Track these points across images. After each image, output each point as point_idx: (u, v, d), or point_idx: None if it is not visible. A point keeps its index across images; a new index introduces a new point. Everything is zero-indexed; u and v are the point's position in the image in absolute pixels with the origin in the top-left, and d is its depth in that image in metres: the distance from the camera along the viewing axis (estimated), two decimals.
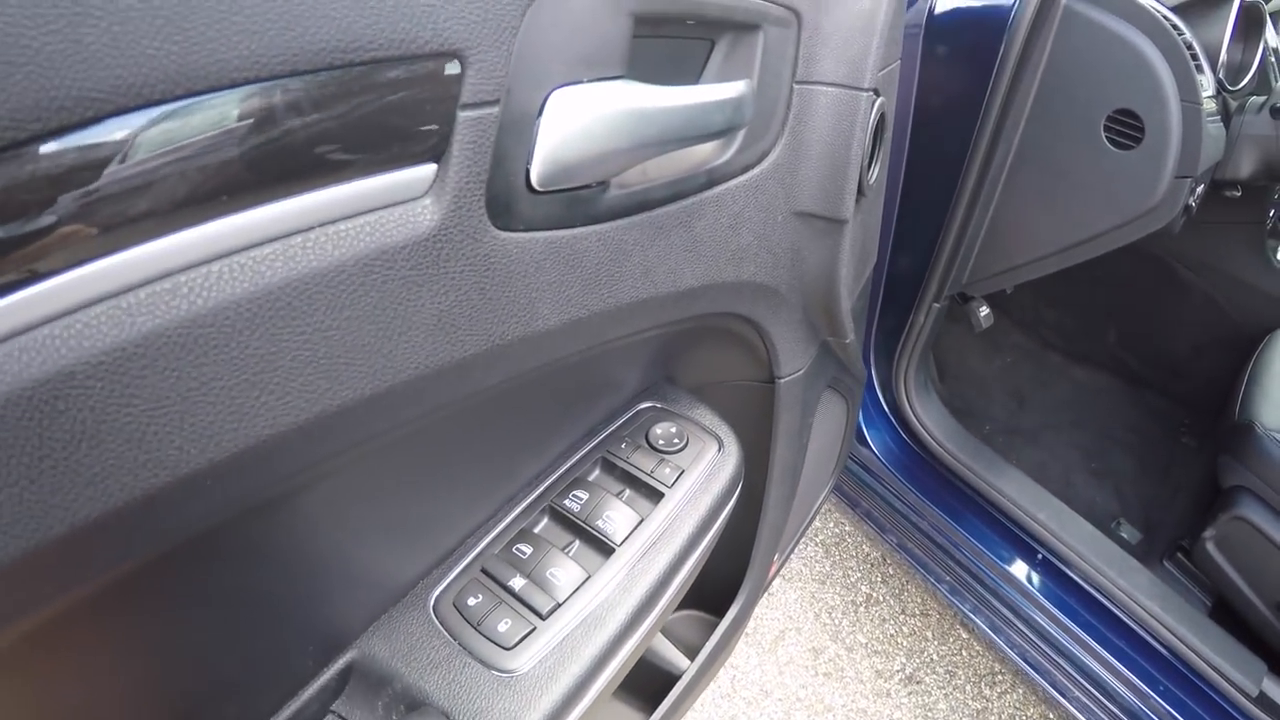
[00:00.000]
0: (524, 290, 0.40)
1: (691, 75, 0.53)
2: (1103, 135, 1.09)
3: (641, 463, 0.66)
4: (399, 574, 0.56)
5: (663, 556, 0.60)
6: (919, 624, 1.66)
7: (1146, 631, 1.25)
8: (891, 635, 1.64)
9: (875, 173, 0.72)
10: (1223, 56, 1.24)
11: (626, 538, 0.60)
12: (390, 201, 0.32)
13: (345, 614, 0.52)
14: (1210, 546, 1.33)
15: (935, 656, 1.61)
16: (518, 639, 0.53)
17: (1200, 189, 1.20)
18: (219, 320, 0.28)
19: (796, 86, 0.59)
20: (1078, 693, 1.29)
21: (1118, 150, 1.09)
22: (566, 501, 0.63)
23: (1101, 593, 1.28)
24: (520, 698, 0.50)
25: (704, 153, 0.53)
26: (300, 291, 0.30)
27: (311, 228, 0.30)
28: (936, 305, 1.30)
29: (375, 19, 0.29)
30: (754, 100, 0.53)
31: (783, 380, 0.77)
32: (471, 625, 0.54)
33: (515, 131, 0.36)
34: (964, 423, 1.44)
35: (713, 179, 0.54)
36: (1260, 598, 1.29)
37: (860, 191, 0.67)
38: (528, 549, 0.59)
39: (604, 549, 0.60)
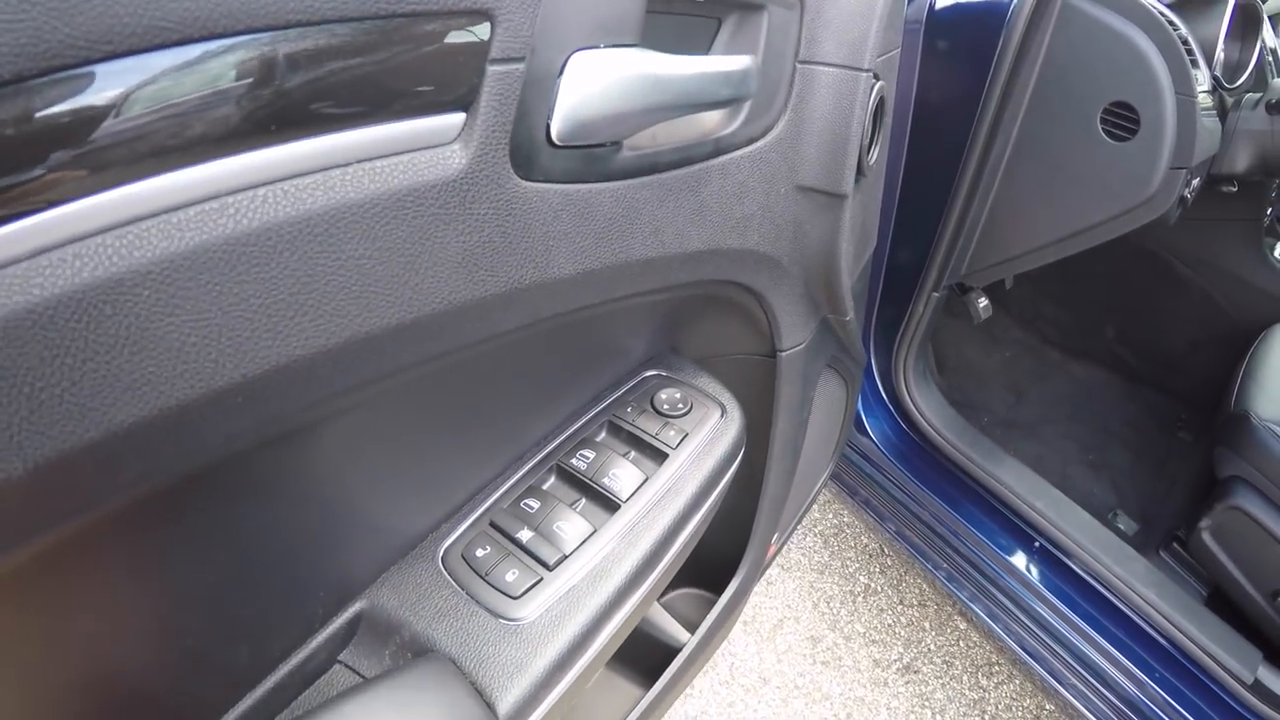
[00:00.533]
0: (542, 237, 0.42)
1: (700, 51, 0.56)
2: (1099, 127, 1.11)
3: (646, 426, 0.68)
4: (408, 526, 0.57)
5: (666, 514, 0.62)
6: (917, 614, 1.68)
7: (1143, 620, 1.26)
8: (889, 625, 1.65)
9: (875, 154, 0.74)
10: (1219, 53, 1.26)
11: (632, 495, 0.62)
12: (422, 145, 0.35)
13: (355, 563, 0.54)
14: (1206, 536, 1.34)
15: (933, 646, 1.62)
16: (525, 589, 0.54)
17: (1196, 181, 1.22)
18: (262, 240, 0.30)
19: (799, 66, 0.62)
20: (1074, 680, 1.30)
21: (1114, 142, 1.11)
22: (574, 460, 0.65)
23: (1099, 581, 1.29)
24: (527, 645, 0.52)
25: (710, 123, 0.55)
26: (338, 220, 0.32)
27: (350, 163, 0.32)
28: (935, 295, 1.32)
29: None
30: (758, 75, 0.56)
31: (784, 353, 0.79)
32: (479, 575, 0.55)
33: (538, 88, 0.39)
34: (962, 415, 1.46)
35: (719, 148, 0.56)
36: (1256, 587, 1.31)
37: (860, 171, 0.69)
38: (535, 504, 0.61)
39: (610, 505, 0.62)
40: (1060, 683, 1.31)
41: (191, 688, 0.46)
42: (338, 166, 0.32)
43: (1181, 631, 1.22)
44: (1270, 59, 1.48)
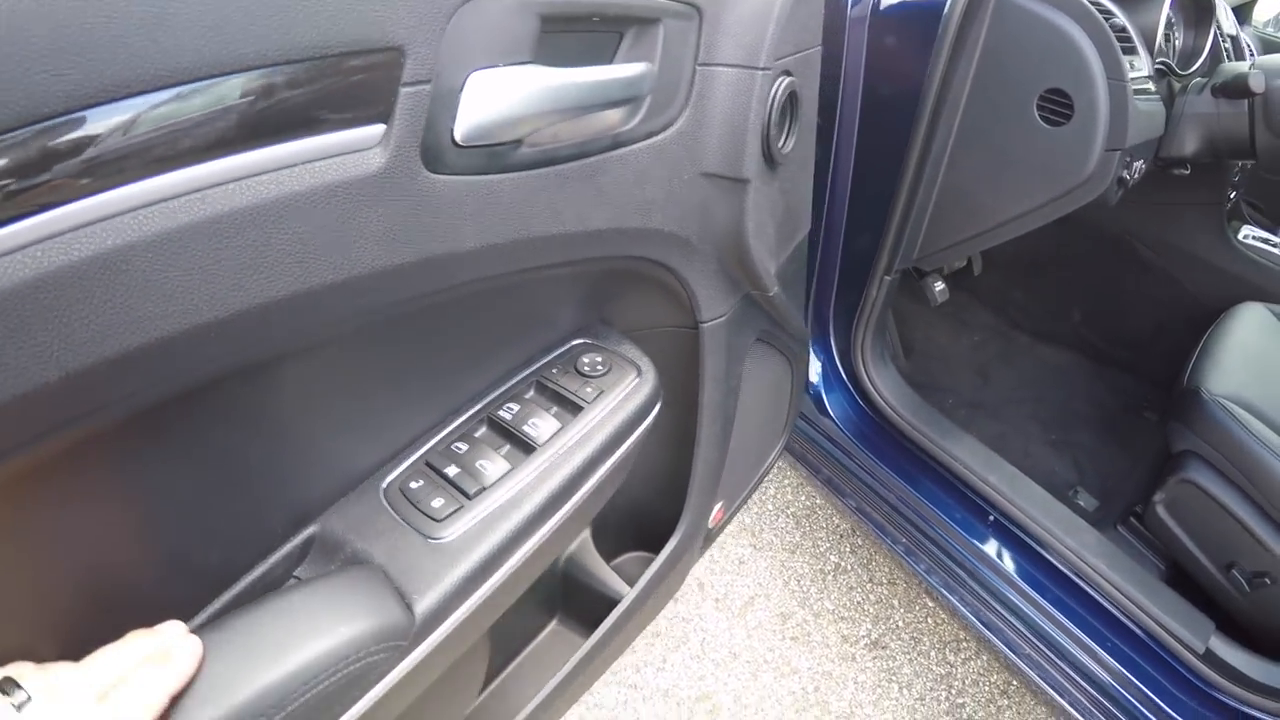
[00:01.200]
0: (449, 218, 0.51)
1: (605, 61, 0.63)
2: (1036, 114, 1.15)
3: (568, 384, 0.76)
4: (357, 464, 0.66)
5: (577, 457, 0.70)
6: (886, 592, 1.72)
7: (1096, 591, 1.29)
8: (858, 602, 1.70)
9: (790, 145, 0.80)
10: (1171, 39, 1.30)
11: (547, 440, 0.70)
12: (351, 150, 0.45)
13: (310, 493, 0.63)
14: (1160, 510, 1.37)
15: (901, 623, 1.67)
16: (447, 514, 0.63)
17: (1140, 164, 1.25)
18: (230, 220, 0.40)
19: (699, 68, 0.69)
20: (1029, 650, 1.34)
21: (1050, 127, 1.15)
22: (501, 412, 0.73)
23: (1051, 553, 1.33)
24: (445, 560, 0.60)
25: (609, 121, 0.63)
26: (285, 205, 0.42)
27: (296, 164, 0.42)
28: (888, 278, 1.36)
29: (344, 25, 0.42)
30: (655, 78, 0.63)
31: (705, 325, 0.85)
32: (411, 503, 0.64)
33: (443, 102, 0.48)
34: (927, 396, 1.50)
35: (618, 142, 0.64)
36: (1210, 559, 1.34)
37: (772, 159, 0.76)
38: (465, 446, 0.69)
39: (527, 448, 0.69)
40: (1015, 653, 1.35)
41: (172, 586, 0.55)
42: (286, 167, 0.42)
43: (1133, 603, 1.25)
44: (1228, 46, 1.50)
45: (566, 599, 1.05)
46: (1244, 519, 1.27)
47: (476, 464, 0.67)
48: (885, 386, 1.47)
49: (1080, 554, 1.30)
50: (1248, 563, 1.28)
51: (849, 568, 1.76)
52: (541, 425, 0.71)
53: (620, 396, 0.75)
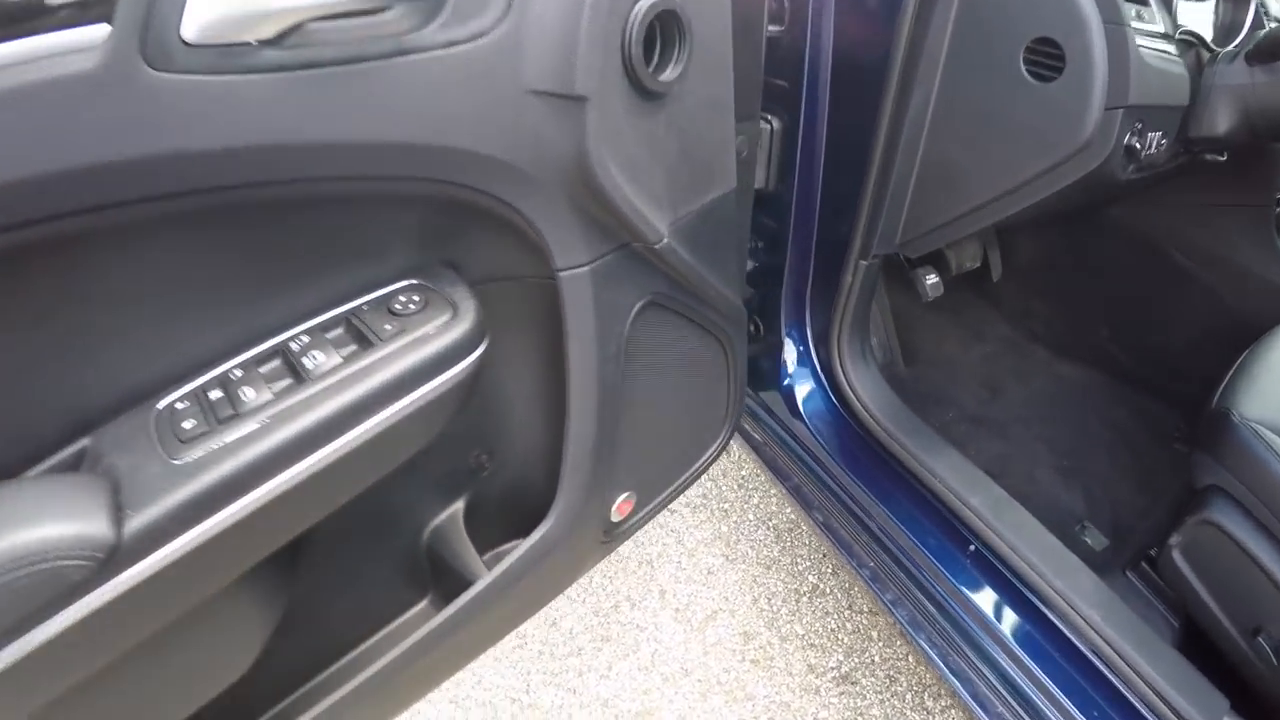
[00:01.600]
0: (176, 117, 0.51)
1: None
2: (1023, 68, 1.00)
3: (373, 321, 0.69)
4: (137, 384, 0.64)
5: (350, 393, 0.64)
6: (865, 622, 1.54)
7: (1087, 647, 1.09)
8: (833, 630, 1.53)
9: (673, 73, 0.72)
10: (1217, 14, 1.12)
11: (322, 374, 0.64)
12: (75, 49, 0.47)
13: (88, 408, 0.62)
14: (1176, 555, 1.16)
15: (877, 659, 1.49)
16: (193, 436, 0.61)
17: (1155, 136, 1.07)
18: None
19: None
20: (1000, 707, 1.14)
21: (1040, 83, 1.00)
22: (292, 344, 0.68)
23: (1039, 597, 1.13)
24: (177, 480, 0.58)
25: (392, 25, 0.59)
26: (15, 94, 0.45)
27: (30, 60, 0.45)
28: (864, 263, 1.22)
29: None
30: None
31: (563, 274, 0.75)
32: (169, 425, 0.62)
33: (167, 1, 0.49)
34: (925, 408, 1.34)
35: (403, 49, 0.59)
36: (1231, 620, 1.11)
37: (643, 87, 0.69)
38: (240, 374, 0.65)
39: (301, 381, 0.64)
40: (985, 709, 1.16)
41: None
42: (23, 63, 0.45)
43: (1131, 666, 1.04)
44: (1275, 24, 1.30)
45: (435, 577, 0.96)
46: (1275, 574, 1.04)
47: (239, 390, 0.63)
48: (863, 388, 1.32)
49: (1072, 601, 1.09)
50: (1277, 629, 1.05)
51: (828, 591, 1.59)
52: (322, 358, 0.66)
53: (421, 335, 0.67)
